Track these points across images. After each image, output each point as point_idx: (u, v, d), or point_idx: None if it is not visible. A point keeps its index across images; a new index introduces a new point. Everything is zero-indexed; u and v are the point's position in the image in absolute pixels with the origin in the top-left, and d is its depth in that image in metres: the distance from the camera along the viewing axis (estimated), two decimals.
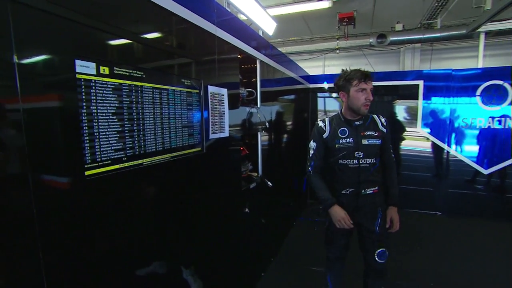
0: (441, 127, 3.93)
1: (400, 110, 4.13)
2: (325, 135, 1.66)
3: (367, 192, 1.64)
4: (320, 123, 1.69)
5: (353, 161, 1.61)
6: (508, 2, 3.09)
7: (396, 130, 4.09)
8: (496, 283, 2.34)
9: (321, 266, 2.52)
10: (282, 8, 4.51)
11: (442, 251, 2.85)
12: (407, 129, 4.09)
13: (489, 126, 3.75)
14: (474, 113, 3.81)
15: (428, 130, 3.98)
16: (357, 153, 1.60)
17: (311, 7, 4.45)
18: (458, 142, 3.90)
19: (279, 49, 2.98)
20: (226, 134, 1.68)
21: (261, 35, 3.05)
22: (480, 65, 4.34)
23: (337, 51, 5.75)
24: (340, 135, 1.62)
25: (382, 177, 1.71)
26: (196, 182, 1.45)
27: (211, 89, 1.50)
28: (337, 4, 4.58)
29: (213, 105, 1.52)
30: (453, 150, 3.91)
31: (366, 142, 1.61)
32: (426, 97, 3.95)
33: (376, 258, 1.65)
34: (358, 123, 1.63)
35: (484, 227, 3.51)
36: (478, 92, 3.77)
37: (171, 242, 1.28)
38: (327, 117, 1.73)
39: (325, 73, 6.19)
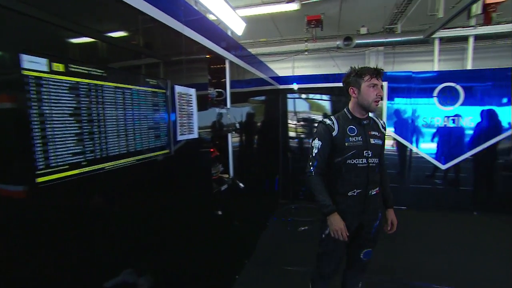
0: (404, 126, 4.20)
1: None
2: (334, 133, 1.57)
3: (372, 193, 1.61)
4: (328, 121, 1.60)
5: (362, 160, 1.56)
6: (457, 12, 3.39)
7: None
8: (461, 270, 2.54)
9: (296, 265, 2.57)
10: (251, 9, 4.54)
11: (407, 243, 3.04)
12: None
13: (445, 125, 4.08)
14: (432, 112, 4.11)
15: (393, 129, 4.23)
16: (366, 152, 1.56)
17: (279, 9, 4.54)
18: (419, 140, 4.20)
19: (249, 50, 3.00)
20: (195, 135, 1.65)
21: (230, 35, 3.04)
22: (436, 68, 4.71)
23: (306, 53, 5.91)
24: (349, 133, 1.57)
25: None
26: (164, 185, 1.40)
27: (178, 89, 1.46)
28: (305, 7, 4.72)
29: (180, 105, 1.48)
30: (415, 147, 4.19)
31: (373, 142, 1.60)
32: (390, 97, 4.19)
33: (361, 256, 1.69)
34: (365, 122, 1.61)
35: (444, 219, 3.80)
36: (435, 93, 4.08)
37: (139, 250, 1.22)
38: (332, 115, 1.65)
39: (295, 74, 6.33)
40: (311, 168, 1.59)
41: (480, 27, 4.43)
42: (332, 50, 5.86)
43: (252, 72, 2.94)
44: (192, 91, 1.60)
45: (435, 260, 2.71)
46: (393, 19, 4.85)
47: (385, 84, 4.14)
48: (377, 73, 1.53)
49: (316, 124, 1.71)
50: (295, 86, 4.53)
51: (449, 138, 4.10)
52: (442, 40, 4.78)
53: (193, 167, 1.69)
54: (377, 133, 1.63)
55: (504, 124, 3.86)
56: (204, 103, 1.82)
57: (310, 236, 3.19)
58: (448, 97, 4.04)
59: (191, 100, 1.59)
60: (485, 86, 3.92)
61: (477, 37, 4.61)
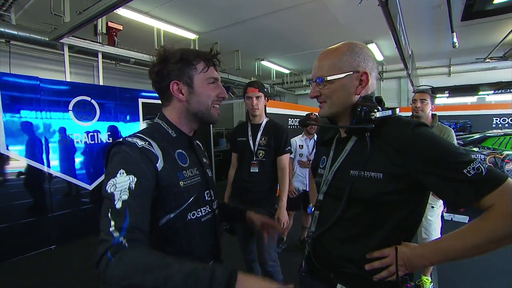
0: (36, 145, 3.45)
1: None
2: (158, 165, 0.87)
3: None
4: (140, 142, 0.87)
5: (205, 209, 1.01)
6: (82, 21, 3.31)
7: None
8: None
9: None
10: None
11: None
12: None
13: (85, 142, 3.90)
14: (70, 128, 3.76)
15: (18, 150, 3.30)
16: (207, 194, 1.03)
17: None
18: (58, 160, 3.67)
19: None
20: None
21: None
22: (68, 79, 4.39)
23: None
24: (180, 163, 0.96)
25: None
26: None
27: None
28: None
29: None
30: (53, 170, 3.60)
31: (210, 175, 1.10)
32: (10, 108, 3.22)
33: None
34: (195, 142, 1.09)
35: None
36: (71, 106, 3.76)
37: None
38: (139, 133, 0.93)
39: None
40: (116, 234, 0.70)
41: (107, 46, 4.75)
42: None
43: None
44: None
45: None
46: (2, 3, 3.76)
47: None
48: (216, 58, 1.03)
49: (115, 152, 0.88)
50: None
51: (91, 155, 4.00)
52: (73, 49, 4.54)
53: None
54: (206, 161, 1.15)
55: None
56: None
57: None
58: (84, 111, 3.89)
59: None
60: (115, 103, 4.27)
61: (104, 56, 4.90)
